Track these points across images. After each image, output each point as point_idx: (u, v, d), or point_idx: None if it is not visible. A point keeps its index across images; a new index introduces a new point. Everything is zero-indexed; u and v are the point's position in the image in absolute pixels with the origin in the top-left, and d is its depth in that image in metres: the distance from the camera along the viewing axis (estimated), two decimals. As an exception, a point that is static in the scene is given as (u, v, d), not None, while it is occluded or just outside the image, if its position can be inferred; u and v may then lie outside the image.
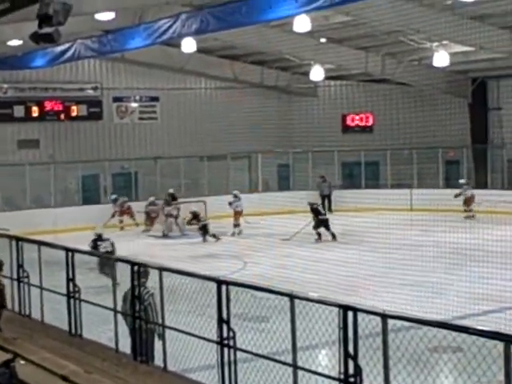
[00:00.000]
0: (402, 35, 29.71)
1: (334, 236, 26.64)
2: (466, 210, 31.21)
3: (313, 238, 26.62)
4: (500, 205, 26.88)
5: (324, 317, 7.61)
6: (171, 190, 32.10)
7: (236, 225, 29.75)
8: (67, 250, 11.24)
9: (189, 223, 28.90)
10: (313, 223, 27.20)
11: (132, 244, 24.49)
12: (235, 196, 30.64)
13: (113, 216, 30.90)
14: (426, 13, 25.17)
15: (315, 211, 27.53)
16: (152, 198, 31.81)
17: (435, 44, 29.78)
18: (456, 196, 31.11)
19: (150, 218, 31.28)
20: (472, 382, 7.10)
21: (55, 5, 12.81)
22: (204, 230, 28.11)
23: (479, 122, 36.43)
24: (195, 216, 28.55)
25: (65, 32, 18.92)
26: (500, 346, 5.83)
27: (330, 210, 32.85)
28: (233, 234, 29.29)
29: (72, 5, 13.23)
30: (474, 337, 6.32)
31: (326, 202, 33.85)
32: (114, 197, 32.15)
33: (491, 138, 36.25)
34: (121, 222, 31.64)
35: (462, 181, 32.72)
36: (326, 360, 10.26)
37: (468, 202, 31.55)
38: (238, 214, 30.13)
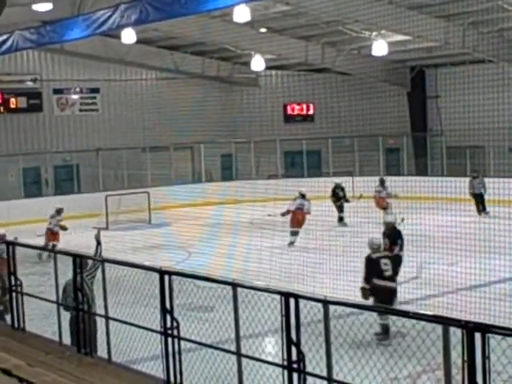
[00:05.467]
0: (341, 25, 29.91)
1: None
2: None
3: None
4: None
5: (267, 304, 7.66)
6: None
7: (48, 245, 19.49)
8: (7, 243, 11.19)
9: None
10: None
11: (74, 236, 24.26)
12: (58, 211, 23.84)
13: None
14: (364, 1, 25.39)
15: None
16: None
17: (374, 33, 30.06)
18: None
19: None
20: (412, 364, 7.25)
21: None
22: None
23: (418, 110, 36.97)
24: None
25: (2, 23, 18.73)
26: (439, 329, 5.96)
27: (483, 210, 27.75)
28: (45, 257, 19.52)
29: (8, -4, 13.09)
30: (414, 321, 6.42)
31: (479, 201, 28.05)
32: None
33: (430, 125, 36.80)
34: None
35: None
36: (270, 347, 10.35)
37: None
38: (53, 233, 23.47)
